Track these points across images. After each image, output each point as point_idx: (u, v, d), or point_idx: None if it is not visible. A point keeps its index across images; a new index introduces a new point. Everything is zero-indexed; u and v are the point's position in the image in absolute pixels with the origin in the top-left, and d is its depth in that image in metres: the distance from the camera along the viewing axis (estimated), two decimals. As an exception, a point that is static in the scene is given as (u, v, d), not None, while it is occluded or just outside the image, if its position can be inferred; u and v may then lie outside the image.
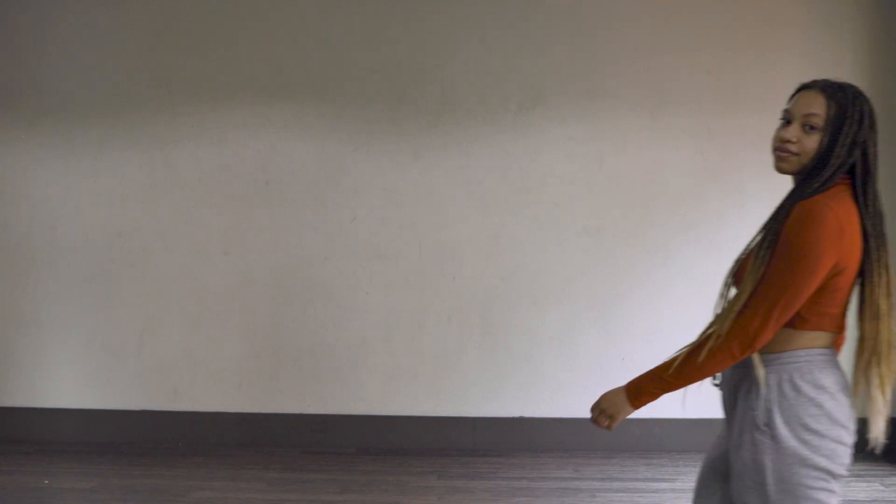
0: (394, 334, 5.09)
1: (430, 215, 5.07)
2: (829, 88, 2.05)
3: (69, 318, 5.18)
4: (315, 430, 5.11)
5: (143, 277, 5.15)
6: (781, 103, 5.34)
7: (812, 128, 2.04)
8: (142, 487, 4.38)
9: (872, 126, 2.04)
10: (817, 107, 2.03)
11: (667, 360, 2.08)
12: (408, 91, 5.06)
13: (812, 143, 2.04)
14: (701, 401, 5.05)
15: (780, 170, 2.10)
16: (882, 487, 4.39)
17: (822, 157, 2.03)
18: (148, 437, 5.14)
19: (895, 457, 4.85)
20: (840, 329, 2.11)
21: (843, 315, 2.10)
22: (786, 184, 5.19)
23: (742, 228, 4.98)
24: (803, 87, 2.10)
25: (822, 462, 2.02)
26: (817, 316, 2.05)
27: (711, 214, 5.01)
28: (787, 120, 2.08)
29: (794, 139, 2.04)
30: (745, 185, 5.00)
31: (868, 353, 2.07)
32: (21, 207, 5.19)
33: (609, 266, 5.04)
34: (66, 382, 5.18)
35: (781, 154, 2.07)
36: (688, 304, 5.02)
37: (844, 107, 2.03)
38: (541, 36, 5.02)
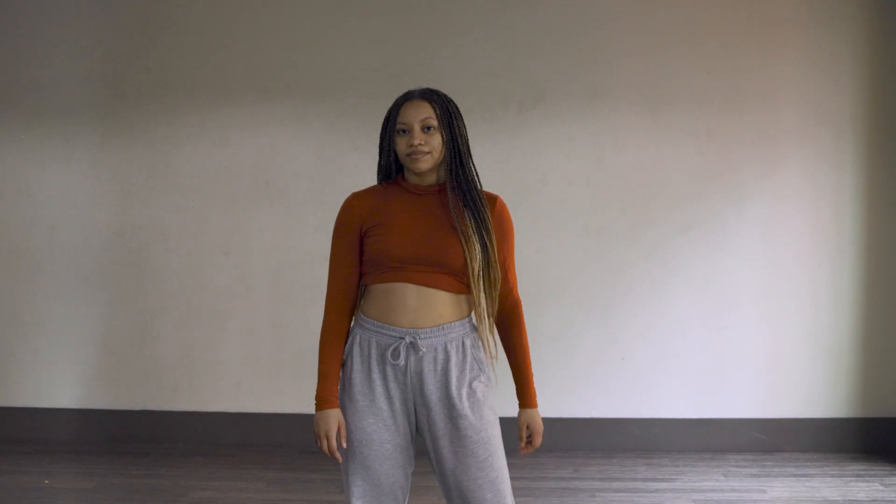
0: (394, 334, 5.09)
1: (430, 215, 5.07)
2: (426, 94, 2.44)
3: (69, 318, 5.18)
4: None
5: (143, 277, 5.15)
6: (781, 103, 5.36)
7: (430, 128, 2.41)
8: (142, 487, 4.38)
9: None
10: (427, 111, 2.41)
11: (519, 359, 2.52)
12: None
13: (436, 140, 2.41)
14: (701, 401, 5.07)
15: (419, 169, 2.41)
16: (882, 487, 4.40)
17: (450, 149, 2.42)
18: (148, 437, 5.14)
19: (895, 457, 4.86)
20: None
21: None
22: (787, 184, 5.19)
23: (741, 227, 5.01)
24: (404, 100, 2.46)
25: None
26: None
27: (711, 214, 5.01)
28: (404, 130, 2.42)
29: (422, 141, 2.39)
30: (745, 185, 5.00)
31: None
32: (21, 207, 5.19)
33: (609, 265, 5.04)
34: (66, 382, 5.18)
35: (417, 157, 2.39)
36: (687, 304, 5.03)
37: (444, 105, 2.43)
38: (540, 36, 5.02)
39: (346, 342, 2.45)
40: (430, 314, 2.39)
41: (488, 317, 2.42)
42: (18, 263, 5.20)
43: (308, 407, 5.10)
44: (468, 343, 2.43)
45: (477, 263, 2.37)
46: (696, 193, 5.02)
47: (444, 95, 2.45)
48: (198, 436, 5.13)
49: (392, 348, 2.38)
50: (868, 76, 4.98)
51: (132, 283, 5.16)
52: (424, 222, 2.41)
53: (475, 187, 2.44)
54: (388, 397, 2.40)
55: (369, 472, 2.40)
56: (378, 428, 2.39)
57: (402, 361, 2.38)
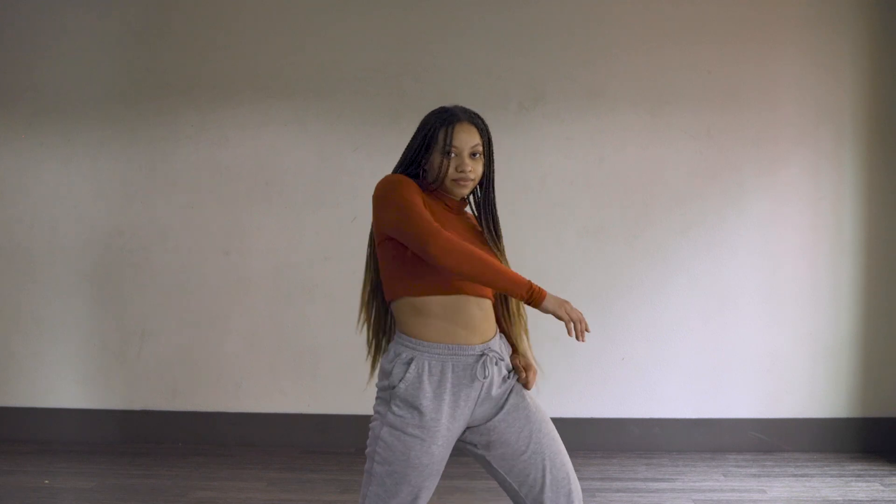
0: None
1: (429, 215, 5.06)
2: (473, 119, 2.47)
3: (69, 318, 5.18)
4: (315, 430, 5.11)
5: (143, 277, 5.15)
6: (782, 102, 5.36)
7: (476, 154, 2.45)
8: (142, 487, 4.38)
9: None
10: (476, 137, 2.44)
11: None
12: (408, 91, 5.06)
13: (480, 167, 2.47)
14: (701, 401, 5.07)
15: (462, 195, 2.47)
16: (882, 487, 4.40)
17: (486, 174, 2.51)
18: (148, 437, 5.14)
19: (895, 457, 4.86)
20: None
21: None
22: (787, 183, 5.18)
23: (741, 227, 5.01)
24: (453, 121, 2.44)
25: None
26: None
27: (710, 213, 5.01)
28: (449, 153, 2.42)
29: (472, 168, 2.43)
30: (744, 184, 5.00)
31: None
32: (21, 207, 5.19)
33: (608, 265, 5.04)
34: (66, 382, 5.18)
35: (465, 182, 2.44)
36: (687, 303, 5.03)
37: (487, 132, 2.48)
38: (540, 35, 5.02)
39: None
40: (490, 324, 2.46)
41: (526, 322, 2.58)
42: (18, 263, 5.20)
43: (308, 407, 5.14)
44: (502, 340, 2.53)
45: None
46: (696, 193, 5.01)
47: (484, 120, 2.51)
48: (198, 436, 5.13)
49: (480, 365, 2.40)
50: (869, 75, 4.97)
51: (132, 282, 5.16)
52: (468, 233, 2.47)
53: (496, 211, 2.57)
54: (453, 417, 2.40)
55: (419, 494, 2.40)
56: (439, 450, 2.39)
57: (490, 376, 2.42)
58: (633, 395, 5.03)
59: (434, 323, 2.39)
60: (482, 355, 2.40)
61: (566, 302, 2.32)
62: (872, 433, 4.98)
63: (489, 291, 2.45)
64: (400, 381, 2.37)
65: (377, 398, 2.46)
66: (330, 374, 5.11)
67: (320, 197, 5.10)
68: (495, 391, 2.45)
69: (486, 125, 2.49)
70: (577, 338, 2.31)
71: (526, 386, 2.52)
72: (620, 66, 5.01)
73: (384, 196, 2.38)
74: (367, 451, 2.45)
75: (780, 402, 5.02)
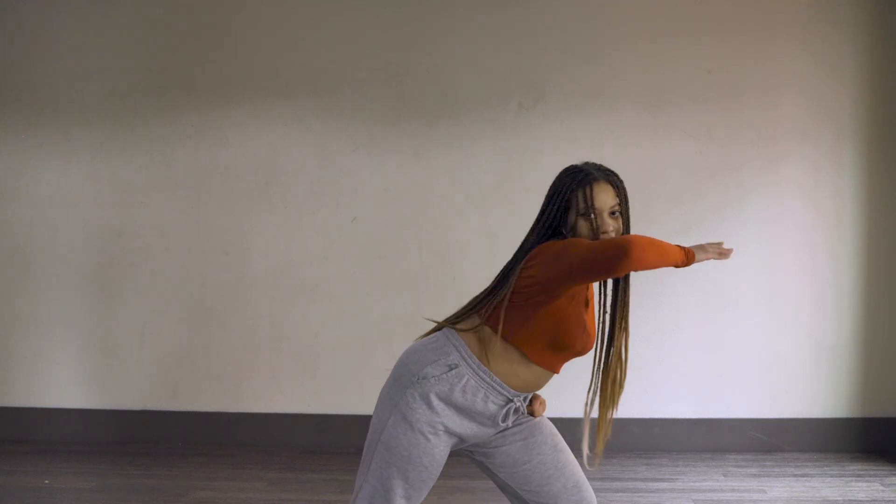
0: (394, 334, 5.08)
1: (430, 215, 5.07)
2: (610, 177, 2.45)
3: (69, 318, 5.18)
4: (315, 430, 5.11)
5: (143, 277, 5.15)
6: (781, 102, 5.35)
7: (615, 213, 2.42)
8: (142, 487, 4.38)
9: None
10: (614, 196, 2.42)
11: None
12: (408, 91, 5.05)
13: (619, 224, 2.43)
14: (701, 401, 5.06)
15: None
16: (882, 487, 4.39)
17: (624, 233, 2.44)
18: (148, 437, 5.14)
19: (895, 457, 4.86)
20: None
21: None
22: (787, 183, 5.17)
23: (741, 227, 5.01)
24: (589, 180, 2.40)
25: None
26: None
27: (710, 213, 5.01)
28: (589, 215, 2.39)
29: (613, 228, 2.40)
30: (745, 184, 5.00)
31: None
32: (21, 207, 5.19)
33: (609, 266, 5.03)
34: (66, 382, 5.18)
35: None
36: (687, 303, 5.02)
37: (623, 188, 2.46)
38: (541, 35, 5.02)
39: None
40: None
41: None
42: (18, 263, 5.20)
43: (308, 407, 5.14)
44: None
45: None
46: (695, 193, 5.01)
47: (618, 176, 2.48)
48: (198, 436, 5.13)
49: (503, 412, 2.41)
50: (869, 75, 4.97)
51: (132, 282, 5.16)
52: (584, 307, 2.44)
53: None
54: (460, 436, 2.43)
55: (419, 492, 2.43)
56: (443, 457, 2.42)
57: (509, 424, 2.46)
58: (633, 395, 5.02)
59: (508, 369, 2.41)
60: (509, 402, 2.42)
61: (706, 249, 2.37)
62: (872, 433, 4.98)
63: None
64: (433, 377, 2.37)
65: (394, 379, 2.44)
66: (330, 374, 5.11)
67: (320, 197, 5.10)
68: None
69: (621, 181, 2.46)
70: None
71: (533, 415, 2.54)
72: (621, 65, 5.01)
73: (555, 252, 2.34)
74: (368, 436, 2.45)
75: (780, 402, 5.02)
